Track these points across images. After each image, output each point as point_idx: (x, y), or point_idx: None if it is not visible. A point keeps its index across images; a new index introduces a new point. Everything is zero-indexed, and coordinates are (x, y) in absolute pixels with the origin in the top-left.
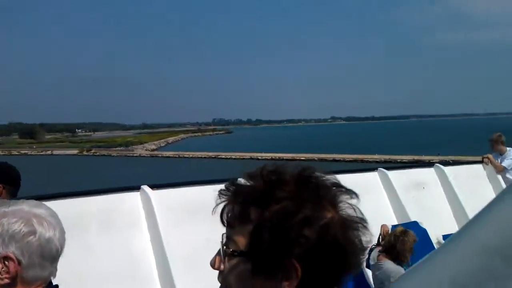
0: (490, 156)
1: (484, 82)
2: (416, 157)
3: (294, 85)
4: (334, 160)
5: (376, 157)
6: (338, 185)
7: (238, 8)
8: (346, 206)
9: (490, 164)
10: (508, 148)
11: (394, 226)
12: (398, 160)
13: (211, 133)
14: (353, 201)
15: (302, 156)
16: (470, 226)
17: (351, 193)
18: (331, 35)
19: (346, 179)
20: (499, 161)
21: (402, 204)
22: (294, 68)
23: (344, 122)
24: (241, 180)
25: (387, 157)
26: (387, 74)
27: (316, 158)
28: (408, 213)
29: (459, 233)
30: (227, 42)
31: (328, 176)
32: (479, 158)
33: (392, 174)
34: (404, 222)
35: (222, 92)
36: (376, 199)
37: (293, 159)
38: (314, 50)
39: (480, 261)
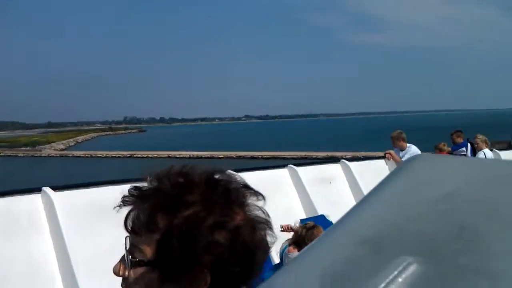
0: (392, 152)
1: (389, 82)
2: (330, 154)
3: (208, 83)
4: (252, 158)
5: (293, 154)
6: (247, 186)
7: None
8: (253, 207)
9: (392, 159)
10: (408, 145)
11: (303, 220)
12: (314, 157)
13: (123, 131)
14: (260, 202)
15: (221, 153)
16: (346, 217)
17: (258, 194)
18: (241, 35)
19: (259, 176)
20: (400, 156)
21: (310, 198)
22: (208, 66)
23: (258, 120)
24: (147, 182)
25: (303, 153)
26: (295, 74)
27: (234, 156)
28: (316, 207)
29: (336, 224)
30: (134, 37)
31: (237, 177)
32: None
33: (301, 170)
34: (312, 216)
35: (133, 90)
36: (286, 194)
37: (211, 157)
38: (225, 48)
39: (352, 251)
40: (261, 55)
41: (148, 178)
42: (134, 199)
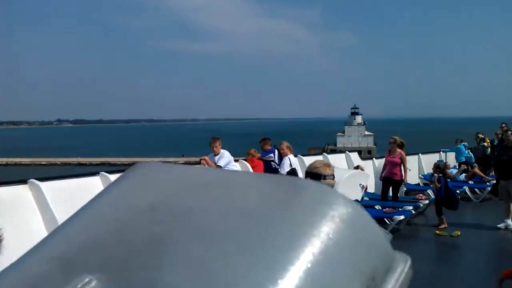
0: (207, 157)
1: (203, 89)
2: (163, 159)
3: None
4: (79, 164)
5: (124, 160)
6: None
7: None
8: None
9: (207, 164)
10: (222, 150)
11: None
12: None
13: None
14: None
15: (43, 160)
16: (54, 231)
17: None
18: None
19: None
20: (215, 161)
21: None
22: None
23: (72, 125)
24: None
25: (134, 159)
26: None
27: (59, 162)
28: None
29: (45, 238)
30: None
31: None
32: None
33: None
34: None
35: None
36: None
37: (32, 164)
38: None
39: (43, 268)
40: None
41: None
42: None
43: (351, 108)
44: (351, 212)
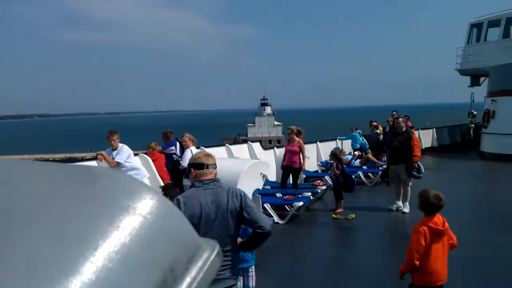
0: (104, 152)
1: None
2: (69, 155)
3: None
4: None
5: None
6: None
7: None
8: None
9: (103, 160)
10: (120, 144)
11: None
12: (51, 159)
13: None
14: None
15: None
16: None
17: None
18: None
19: None
20: (113, 155)
21: None
22: None
23: None
24: None
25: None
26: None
27: None
28: None
29: None
30: None
31: None
32: None
33: None
34: None
35: None
36: None
37: None
38: None
39: None
40: None
41: None
42: None
43: (261, 99)
44: (150, 203)
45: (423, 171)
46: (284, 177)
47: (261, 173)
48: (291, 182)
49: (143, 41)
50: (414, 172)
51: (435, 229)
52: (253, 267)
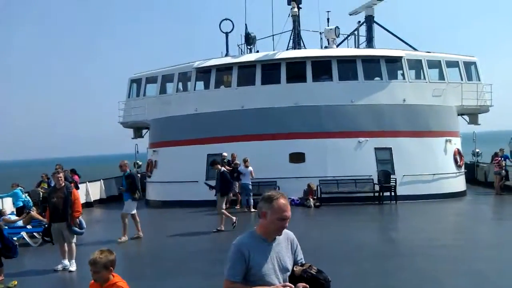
0: None
1: None
2: None
3: None
4: None
5: None
6: None
7: None
8: None
9: None
10: None
11: None
12: None
13: None
14: None
15: None
16: None
17: None
18: None
19: None
20: None
21: None
22: None
23: None
24: None
25: None
26: None
27: None
28: None
29: None
30: None
31: None
32: None
33: None
34: None
35: None
36: None
37: None
38: None
39: None
40: None
41: None
42: None
43: None
44: None
45: (85, 226)
46: None
47: None
48: None
49: None
50: (76, 228)
51: None
52: None
